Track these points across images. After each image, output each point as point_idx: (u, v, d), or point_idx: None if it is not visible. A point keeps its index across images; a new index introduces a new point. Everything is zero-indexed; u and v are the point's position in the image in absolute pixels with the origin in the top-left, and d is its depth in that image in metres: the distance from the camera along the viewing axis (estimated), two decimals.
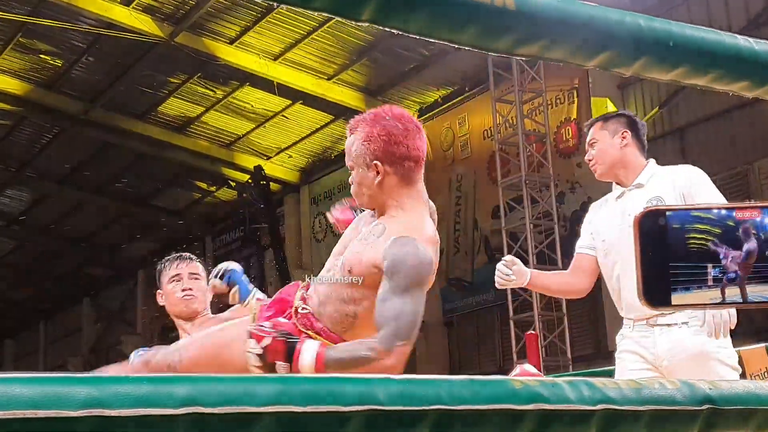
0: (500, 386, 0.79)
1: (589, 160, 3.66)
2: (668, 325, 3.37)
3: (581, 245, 3.78)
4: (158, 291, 3.62)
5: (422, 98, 15.71)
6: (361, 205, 2.76)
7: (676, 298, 0.74)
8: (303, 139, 17.03)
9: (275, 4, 0.80)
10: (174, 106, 16.37)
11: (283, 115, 16.25)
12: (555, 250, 12.40)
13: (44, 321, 27.51)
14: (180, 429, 0.66)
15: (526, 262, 13.10)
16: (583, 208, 14.21)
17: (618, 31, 0.87)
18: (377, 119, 2.63)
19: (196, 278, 3.62)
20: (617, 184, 3.66)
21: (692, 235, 0.74)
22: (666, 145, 12.15)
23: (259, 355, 2.44)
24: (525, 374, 6.62)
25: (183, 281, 3.55)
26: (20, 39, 14.68)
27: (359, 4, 0.73)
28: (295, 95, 15.35)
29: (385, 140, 2.59)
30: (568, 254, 12.76)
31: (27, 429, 0.60)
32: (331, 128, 16.70)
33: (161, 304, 3.65)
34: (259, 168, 17.51)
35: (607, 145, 3.61)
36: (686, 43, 0.92)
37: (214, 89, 15.63)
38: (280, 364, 2.43)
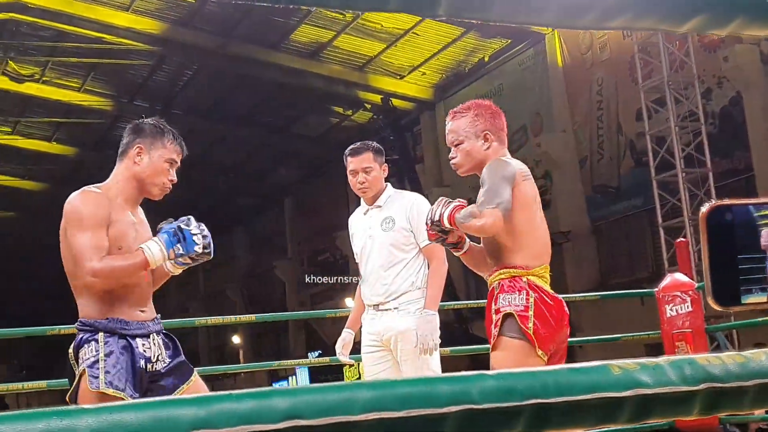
0: (598, 373, 0.79)
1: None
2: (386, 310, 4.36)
3: None
4: None
5: None
6: None
7: (747, 297, 0.72)
8: (435, 54, 16.89)
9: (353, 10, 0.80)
10: (306, 33, 16.49)
11: (414, 33, 16.14)
12: (703, 151, 11.99)
13: None
14: None
15: (672, 166, 12.70)
16: (732, 103, 13.70)
17: None
18: None
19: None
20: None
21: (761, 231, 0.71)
22: None
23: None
24: (676, 284, 6.50)
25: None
26: None
27: (433, 3, 0.72)
28: (466, 21, 15.16)
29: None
30: (718, 154, 12.36)
31: None
32: (463, 41, 16.50)
33: None
34: (386, 99, 17.56)
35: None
36: None
37: (344, 12, 15.63)
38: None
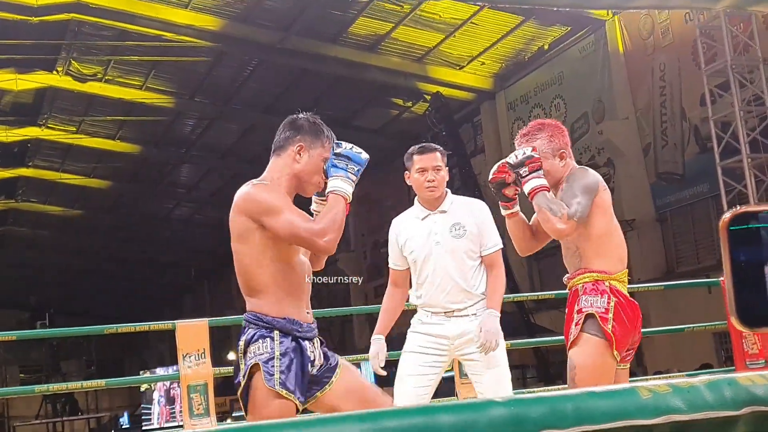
0: (624, 398, 0.69)
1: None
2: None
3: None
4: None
5: None
6: None
7: None
8: (494, 44, 16.71)
9: None
10: (364, 26, 16.44)
11: (472, 22, 15.98)
12: None
13: None
14: None
15: (737, 152, 12.48)
16: None
17: None
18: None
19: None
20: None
21: None
22: None
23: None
24: None
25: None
26: None
27: None
28: (497, 6, 14.99)
29: None
30: None
31: None
32: (522, 30, 16.30)
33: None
34: (438, 95, 17.45)
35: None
36: None
37: (401, 4, 15.54)
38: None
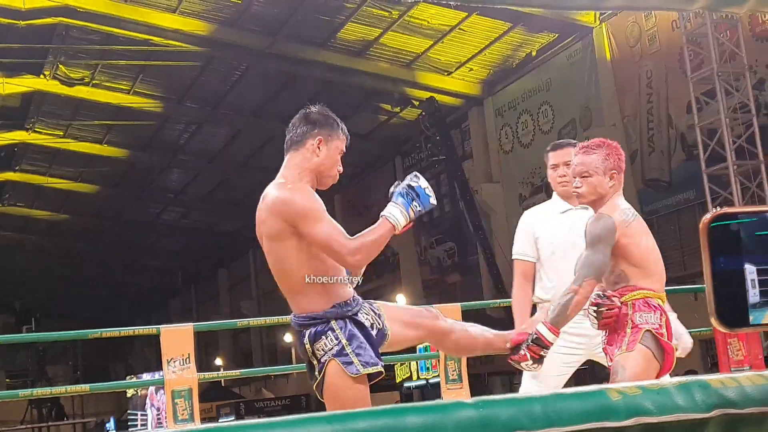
0: (594, 399, 0.69)
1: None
2: None
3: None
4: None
5: None
6: None
7: (758, 317, 0.61)
8: (482, 50, 16.74)
9: None
10: (352, 31, 16.45)
11: (460, 29, 16.02)
12: (755, 143, 11.72)
13: (253, 249, 28.80)
14: None
15: (723, 159, 12.52)
16: None
17: None
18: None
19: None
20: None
21: None
22: None
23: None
24: None
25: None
26: None
27: None
28: (470, 6, 15.03)
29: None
30: None
31: None
32: (510, 36, 16.33)
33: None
34: (431, 99, 17.48)
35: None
36: None
37: (390, 9, 15.56)
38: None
